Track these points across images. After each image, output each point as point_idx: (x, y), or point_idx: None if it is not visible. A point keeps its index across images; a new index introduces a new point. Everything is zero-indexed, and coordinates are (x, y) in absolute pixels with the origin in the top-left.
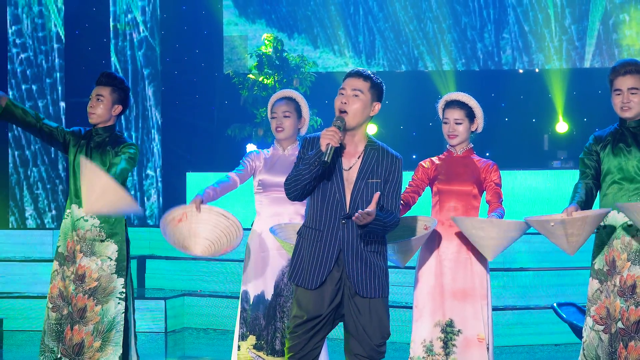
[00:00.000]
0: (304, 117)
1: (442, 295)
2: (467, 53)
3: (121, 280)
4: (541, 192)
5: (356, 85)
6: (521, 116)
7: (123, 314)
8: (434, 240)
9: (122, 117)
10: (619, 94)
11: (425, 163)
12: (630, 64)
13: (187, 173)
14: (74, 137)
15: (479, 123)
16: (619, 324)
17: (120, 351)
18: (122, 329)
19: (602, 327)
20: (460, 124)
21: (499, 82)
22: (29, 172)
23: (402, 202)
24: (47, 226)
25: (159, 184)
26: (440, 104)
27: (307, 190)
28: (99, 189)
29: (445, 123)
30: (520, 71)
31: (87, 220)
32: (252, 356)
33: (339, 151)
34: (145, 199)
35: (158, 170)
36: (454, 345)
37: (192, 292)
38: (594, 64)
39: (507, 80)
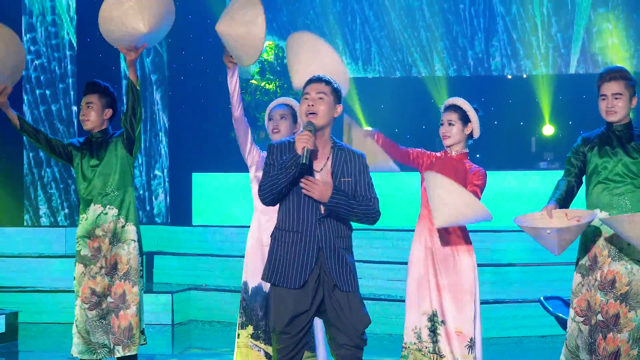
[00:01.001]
0: (299, 122)
1: (428, 286)
2: (458, 60)
3: (140, 259)
4: (528, 191)
5: (320, 89)
6: (510, 119)
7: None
8: (425, 233)
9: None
10: (604, 99)
11: (427, 151)
12: (615, 70)
13: (192, 173)
14: (74, 147)
15: (474, 127)
16: (599, 317)
17: (143, 327)
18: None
19: (582, 319)
20: (453, 125)
21: (488, 87)
22: (42, 173)
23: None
24: (60, 224)
25: (166, 184)
26: (442, 109)
27: (283, 194)
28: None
29: (441, 124)
30: (509, 77)
31: (106, 214)
32: (251, 345)
33: (313, 153)
34: (153, 198)
35: (165, 170)
36: (439, 334)
37: (198, 287)
38: (579, 70)
39: (496, 86)
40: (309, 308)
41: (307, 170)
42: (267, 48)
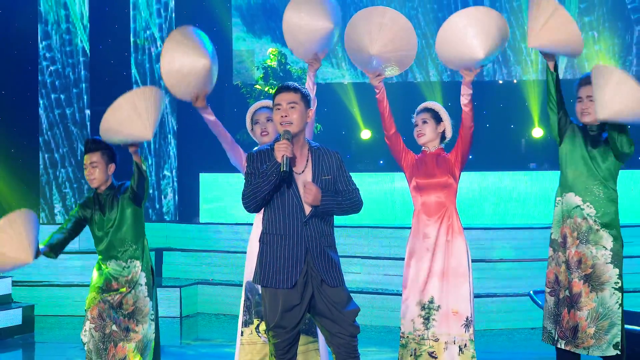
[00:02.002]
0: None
1: (425, 277)
2: None
3: (151, 302)
4: (519, 191)
5: (290, 99)
6: (501, 122)
7: (154, 333)
8: (419, 229)
9: None
10: (580, 101)
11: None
12: (591, 75)
13: (200, 173)
14: (85, 210)
15: (446, 126)
16: (567, 292)
17: None
18: (154, 347)
19: (549, 290)
20: (427, 123)
21: (481, 92)
22: (57, 173)
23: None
24: None
25: (175, 184)
26: (415, 114)
27: (265, 201)
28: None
29: (415, 125)
30: (500, 82)
31: (128, 267)
32: (263, 339)
33: (291, 160)
34: (162, 197)
35: (174, 171)
36: (433, 319)
37: (205, 281)
38: (566, 75)
39: (488, 90)
40: (299, 302)
41: (288, 175)
42: (271, 55)
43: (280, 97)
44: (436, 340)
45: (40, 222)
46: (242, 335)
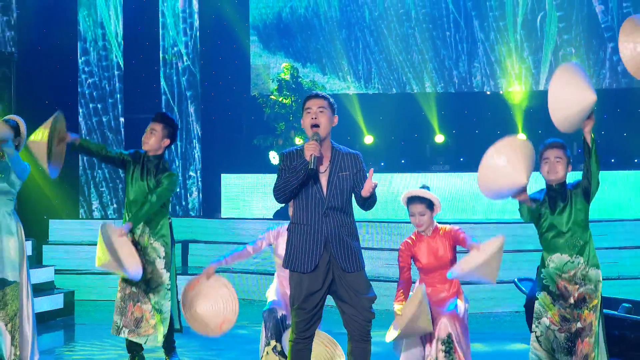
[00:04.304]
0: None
1: (430, 336)
2: (445, 78)
3: (168, 274)
4: None
5: (319, 104)
6: (488, 129)
7: (169, 301)
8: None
9: None
10: (546, 163)
11: (403, 246)
12: (556, 140)
13: (221, 174)
14: (132, 158)
15: (437, 208)
16: (578, 324)
17: (165, 332)
18: (168, 310)
19: (557, 328)
20: (424, 215)
21: (470, 102)
22: (95, 174)
23: (402, 280)
24: (109, 217)
25: (199, 183)
26: (403, 198)
27: (294, 194)
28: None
29: (412, 216)
30: (488, 93)
31: (139, 228)
32: (278, 358)
33: (319, 158)
34: (188, 195)
35: (198, 172)
36: (454, 352)
37: (225, 270)
38: (547, 87)
39: (477, 100)
40: (320, 287)
41: (314, 172)
42: (284, 69)
43: (311, 102)
44: None
45: (79, 217)
46: (267, 354)
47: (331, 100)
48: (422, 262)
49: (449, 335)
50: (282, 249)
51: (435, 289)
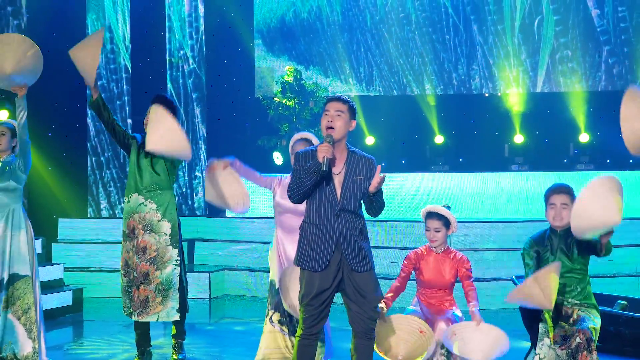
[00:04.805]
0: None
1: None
2: (444, 81)
3: (176, 250)
4: (502, 189)
5: (338, 107)
6: (487, 130)
7: (179, 276)
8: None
9: None
10: (553, 208)
11: (412, 255)
12: (562, 185)
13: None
14: (135, 141)
15: (453, 227)
16: (577, 339)
17: (178, 305)
18: (178, 288)
19: (558, 346)
20: (439, 231)
21: (469, 104)
22: (103, 174)
23: (397, 284)
24: (117, 216)
25: (205, 183)
26: (423, 213)
27: (307, 194)
28: (162, 130)
29: (427, 230)
30: (486, 95)
31: (145, 205)
32: (277, 328)
33: (331, 160)
34: (194, 194)
35: (204, 172)
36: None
37: (231, 267)
38: (544, 89)
39: (476, 102)
40: (329, 286)
41: (327, 173)
42: (288, 72)
43: (330, 105)
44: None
45: (88, 216)
46: (265, 325)
47: (351, 104)
48: (424, 276)
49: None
50: (279, 197)
51: (431, 304)
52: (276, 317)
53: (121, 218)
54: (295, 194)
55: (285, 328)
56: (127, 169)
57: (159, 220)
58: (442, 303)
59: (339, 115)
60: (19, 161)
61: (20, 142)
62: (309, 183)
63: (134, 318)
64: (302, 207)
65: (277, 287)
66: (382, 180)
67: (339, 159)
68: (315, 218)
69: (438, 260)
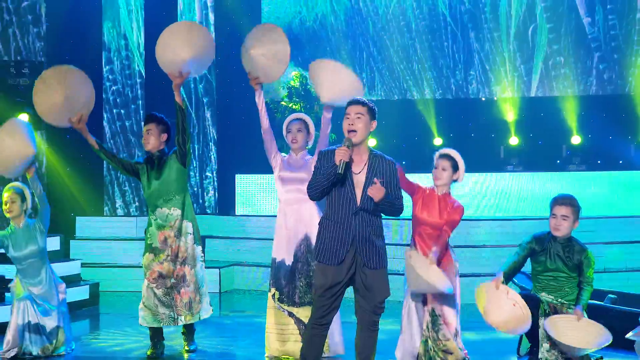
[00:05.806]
0: (311, 132)
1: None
2: (443, 86)
3: (200, 247)
4: (498, 189)
5: (358, 110)
6: (483, 132)
7: (203, 270)
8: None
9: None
10: (554, 218)
11: (419, 185)
12: (566, 197)
13: (236, 174)
14: (140, 165)
15: (461, 174)
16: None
17: (208, 299)
18: (205, 278)
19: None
20: (445, 171)
21: (467, 108)
22: (118, 174)
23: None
24: (132, 214)
25: (215, 183)
26: (437, 154)
27: (325, 193)
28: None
29: (435, 168)
30: (483, 99)
31: (172, 214)
32: (277, 306)
33: (349, 163)
34: (205, 194)
35: (214, 172)
36: (440, 324)
37: (239, 263)
38: (538, 94)
39: (473, 106)
40: (342, 280)
41: (346, 174)
42: (294, 77)
43: (350, 108)
44: (447, 339)
45: (104, 214)
46: (272, 297)
47: (371, 105)
48: (418, 210)
49: (433, 309)
50: (277, 172)
51: (424, 242)
52: (277, 294)
53: (135, 216)
54: (314, 193)
55: (284, 306)
56: (142, 194)
57: (183, 222)
58: (433, 240)
59: (359, 117)
60: (37, 225)
61: (41, 207)
62: (326, 184)
63: (181, 322)
64: (304, 174)
65: (276, 264)
66: (377, 188)
67: (361, 159)
68: (334, 215)
69: (436, 200)
